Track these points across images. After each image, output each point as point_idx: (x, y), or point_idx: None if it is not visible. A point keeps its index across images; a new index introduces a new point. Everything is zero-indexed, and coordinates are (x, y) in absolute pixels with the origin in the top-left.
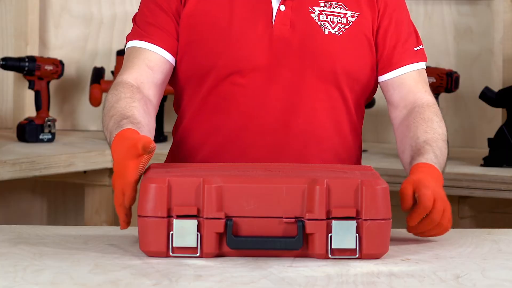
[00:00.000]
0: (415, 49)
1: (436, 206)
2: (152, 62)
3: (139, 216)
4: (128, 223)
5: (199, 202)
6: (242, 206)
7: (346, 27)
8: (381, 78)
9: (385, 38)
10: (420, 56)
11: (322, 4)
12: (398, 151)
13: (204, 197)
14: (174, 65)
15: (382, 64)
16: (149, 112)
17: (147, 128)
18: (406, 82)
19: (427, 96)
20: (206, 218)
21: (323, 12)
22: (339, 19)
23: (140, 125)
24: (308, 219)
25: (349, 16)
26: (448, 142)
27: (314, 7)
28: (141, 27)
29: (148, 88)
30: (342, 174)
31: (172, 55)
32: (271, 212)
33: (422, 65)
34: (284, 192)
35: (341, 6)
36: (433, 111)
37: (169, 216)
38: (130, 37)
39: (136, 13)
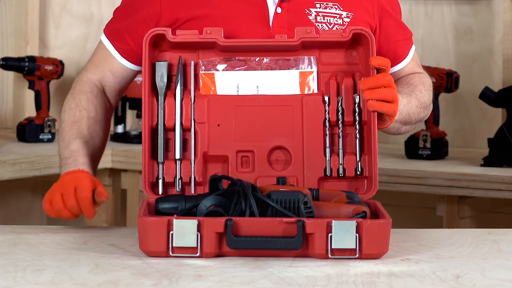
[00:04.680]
0: (408, 36)
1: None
2: (115, 68)
3: (139, 216)
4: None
5: None
6: None
7: (342, 28)
8: None
9: (387, 36)
10: (411, 41)
11: (318, 5)
12: None
13: None
14: (136, 71)
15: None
16: (107, 119)
17: (99, 146)
18: (405, 69)
19: (419, 71)
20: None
21: (320, 14)
22: (335, 20)
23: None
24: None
25: (344, 17)
26: (447, 141)
27: (310, 9)
28: (116, 25)
29: (108, 92)
30: None
31: (134, 64)
32: None
33: (413, 47)
34: None
35: (336, 7)
36: (421, 77)
37: None
38: (106, 29)
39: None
